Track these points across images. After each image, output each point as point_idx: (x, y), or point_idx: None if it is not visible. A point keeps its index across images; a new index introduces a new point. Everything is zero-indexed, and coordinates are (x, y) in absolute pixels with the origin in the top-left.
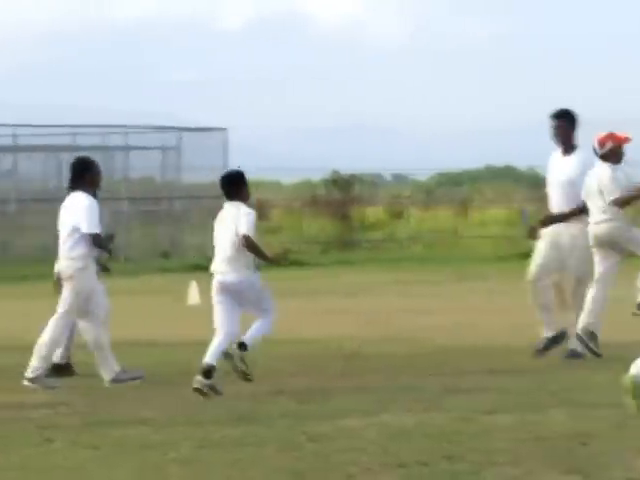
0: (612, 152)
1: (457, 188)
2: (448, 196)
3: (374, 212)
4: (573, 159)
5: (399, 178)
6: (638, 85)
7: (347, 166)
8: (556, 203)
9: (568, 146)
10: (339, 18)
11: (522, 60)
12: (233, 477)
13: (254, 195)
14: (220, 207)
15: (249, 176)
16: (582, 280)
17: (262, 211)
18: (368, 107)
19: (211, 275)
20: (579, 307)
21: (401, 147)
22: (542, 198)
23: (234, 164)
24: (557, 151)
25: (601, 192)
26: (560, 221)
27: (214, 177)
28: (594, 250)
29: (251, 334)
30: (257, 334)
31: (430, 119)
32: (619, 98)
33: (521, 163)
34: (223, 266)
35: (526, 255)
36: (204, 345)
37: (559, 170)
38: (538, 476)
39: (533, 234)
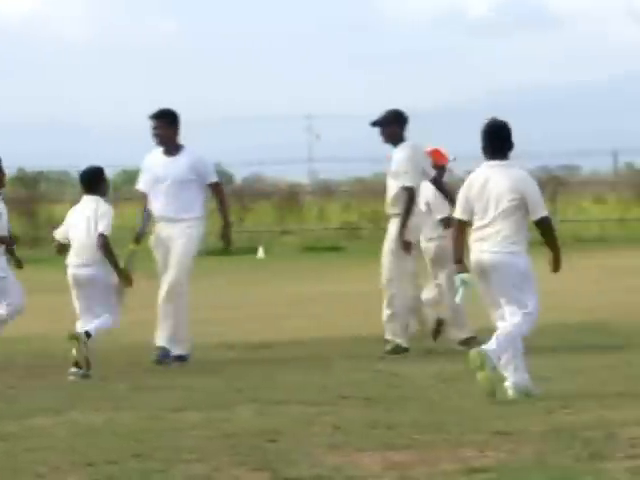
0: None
1: None
2: (133, 193)
3: (62, 209)
4: (181, 159)
5: None
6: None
7: (35, 164)
8: (163, 205)
9: (172, 146)
10: (21, 13)
11: (198, 57)
12: None
13: None
14: None
15: None
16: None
17: None
18: (56, 104)
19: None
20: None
21: (89, 144)
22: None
23: None
24: (157, 151)
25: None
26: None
27: None
28: (431, 266)
29: (95, 326)
30: (100, 326)
31: (115, 116)
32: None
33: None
34: (78, 259)
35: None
36: None
37: (166, 171)
38: (226, 473)
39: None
